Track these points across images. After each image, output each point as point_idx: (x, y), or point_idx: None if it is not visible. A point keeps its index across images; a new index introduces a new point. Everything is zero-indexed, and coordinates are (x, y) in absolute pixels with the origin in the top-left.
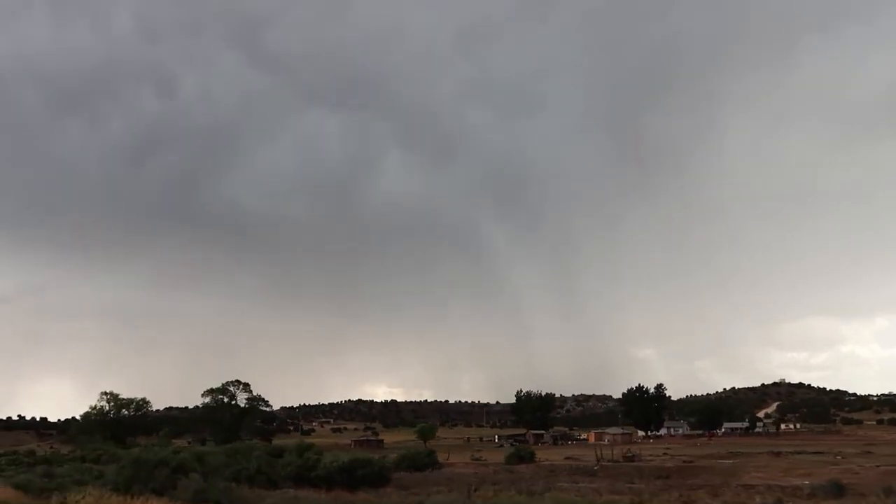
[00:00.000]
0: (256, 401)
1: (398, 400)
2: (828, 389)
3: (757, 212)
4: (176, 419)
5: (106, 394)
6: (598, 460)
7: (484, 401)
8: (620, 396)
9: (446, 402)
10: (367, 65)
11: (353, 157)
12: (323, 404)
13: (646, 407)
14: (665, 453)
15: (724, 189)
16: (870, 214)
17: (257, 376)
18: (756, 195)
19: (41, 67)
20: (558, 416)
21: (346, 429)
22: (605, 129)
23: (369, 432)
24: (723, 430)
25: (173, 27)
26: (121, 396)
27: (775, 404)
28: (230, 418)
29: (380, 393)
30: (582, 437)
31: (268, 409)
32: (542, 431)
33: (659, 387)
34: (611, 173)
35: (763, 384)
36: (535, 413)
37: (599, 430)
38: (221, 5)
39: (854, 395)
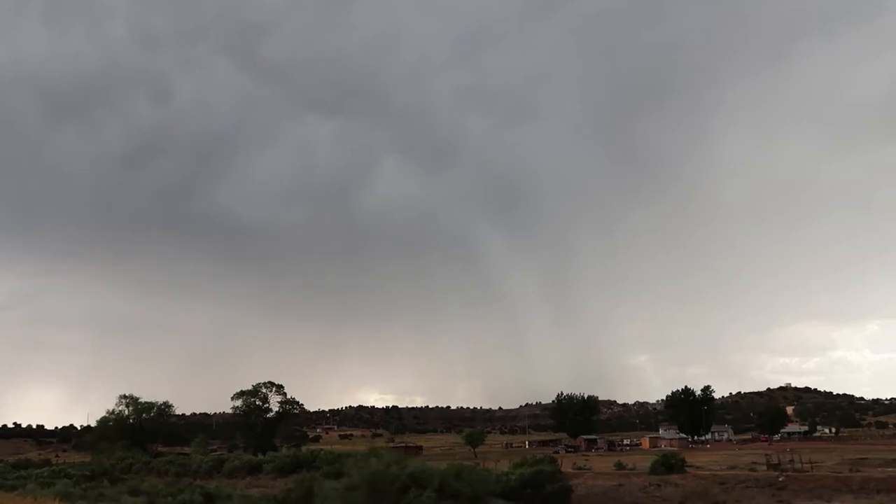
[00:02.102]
0: (290, 404)
1: (399, 407)
2: (834, 394)
3: (749, 218)
4: (174, 426)
5: (125, 397)
6: (781, 471)
7: (486, 406)
8: (623, 403)
9: (448, 408)
10: (364, 72)
11: (348, 165)
12: (323, 411)
13: (693, 411)
14: (790, 461)
15: (716, 196)
16: (862, 220)
17: (250, 384)
18: (748, 202)
19: (36, 75)
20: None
21: (352, 435)
22: (599, 137)
23: (386, 439)
24: (779, 435)
25: (170, 35)
26: (141, 400)
27: (790, 409)
28: (264, 423)
29: (371, 399)
30: (625, 442)
31: (297, 413)
32: (595, 437)
33: (706, 389)
34: (606, 180)
35: (769, 388)
36: (577, 417)
37: (654, 436)
38: (218, 13)
39: (862, 399)
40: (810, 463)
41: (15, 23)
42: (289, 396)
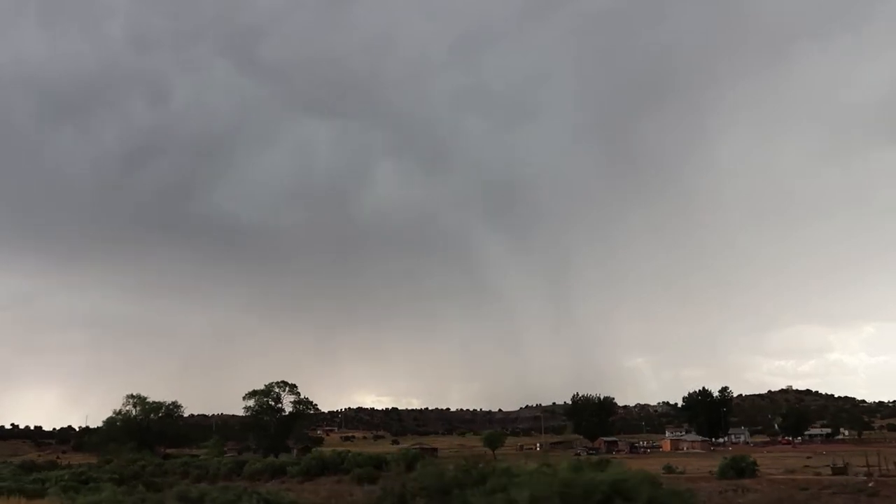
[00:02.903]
0: (304, 404)
1: (398, 408)
2: (836, 396)
3: (749, 218)
4: (180, 427)
5: (132, 397)
6: (870, 474)
7: (485, 409)
8: (624, 405)
9: (447, 409)
10: (364, 73)
11: (347, 165)
12: (323, 412)
13: (712, 412)
14: (870, 467)
15: (716, 196)
16: (862, 220)
17: (248, 386)
18: (748, 202)
19: (36, 75)
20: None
21: (354, 437)
22: (599, 137)
23: (389, 440)
24: (800, 437)
25: (169, 36)
26: (149, 400)
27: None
28: (276, 424)
29: (368, 402)
30: (643, 444)
31: (312, 413)
32: (615, 438)
33: (724, 390)
34: (606, 180)
35: (770, 391)
36: (592, 419)
37: (676, 437)
38: (216, 14)
39: (864, 401)
40: (845, 465)
41: (14, 23)
42: (302, 396)
